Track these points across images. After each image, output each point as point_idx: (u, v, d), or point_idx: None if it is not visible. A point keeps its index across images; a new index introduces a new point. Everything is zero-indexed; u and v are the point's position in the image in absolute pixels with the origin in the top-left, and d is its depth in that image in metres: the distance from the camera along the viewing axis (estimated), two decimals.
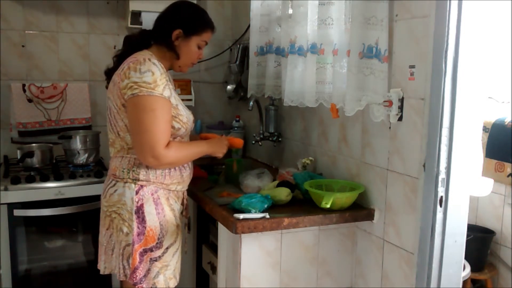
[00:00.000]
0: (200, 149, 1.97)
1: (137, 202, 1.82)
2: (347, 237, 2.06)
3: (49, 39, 2.99)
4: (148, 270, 1.85)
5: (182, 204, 2.01)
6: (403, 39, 1.77)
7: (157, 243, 1.85)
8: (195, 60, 1.99)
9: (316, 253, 2.00)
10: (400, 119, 1.80)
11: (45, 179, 2.57)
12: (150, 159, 1.75)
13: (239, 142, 2.18)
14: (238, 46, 3.05)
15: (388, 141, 1.88)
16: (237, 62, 3.03)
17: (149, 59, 1.78)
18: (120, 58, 1.91)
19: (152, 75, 1.75)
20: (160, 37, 1.90)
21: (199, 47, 1.95)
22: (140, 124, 1.74)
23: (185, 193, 2.03)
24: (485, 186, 2.64)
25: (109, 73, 1.94)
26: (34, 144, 2.82)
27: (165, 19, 1.92)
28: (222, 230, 1.98)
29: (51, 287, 2.71)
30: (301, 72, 2.23)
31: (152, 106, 1.73)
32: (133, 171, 1.84)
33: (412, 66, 1.74)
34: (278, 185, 2.08)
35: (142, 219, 1.82)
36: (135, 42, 1.93)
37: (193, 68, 3.45)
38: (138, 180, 1.83)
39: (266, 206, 1.88)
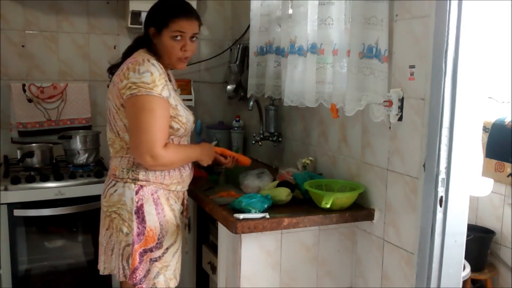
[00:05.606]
0: (194, 153, 1.97)
1: (137, 202, 1.82)
2: (347, 237, 2.06)
3: (49, 39, 2.99)
4: (148, 271, 1.85)
5: (183, 204, 2.01)
6: (403, 39, 1.77)
7: (157, 243, 1.85)
8: (179, 53, 1.84)
9: (316, 253, 2.00)
10: (400, 119, 1.80)
11: (45, 179, 2.57)
12: (147, 158, 1.75)
13: (246, 160, 2.26)
14: (238, 46, 3.05)
15: (388, 141, 1.88)
16: (237, 62, 3.03)
17: (148, 60, 1.78)
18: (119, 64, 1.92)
19: (150, 75, 1.75)
20: (144, 40, 1.91)
21: (176, 39, 1.82)
22: (138, 124, 1.74)
23: (185, 193, 2.03)
24: (485, 186, 2.64)
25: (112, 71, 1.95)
26: (34, 144, 2.82)
27: (144, 21, 1.93)
28: (222, 230, 1.98)
29: (51, 287, 2.71)
30: (301, 72, 2.23)
31: (151, 105, 1.74)
32: (133, 171, 1.84)
33: (412, 66, 1.74)
34: (278, 185, 2.07)
35: (142, 219, 1.82)
36: (130, 48, 1.94)
37: (193, 68, 3.43)
38: (138, 180, 1.83)
39: (266, 206, 1.88)
